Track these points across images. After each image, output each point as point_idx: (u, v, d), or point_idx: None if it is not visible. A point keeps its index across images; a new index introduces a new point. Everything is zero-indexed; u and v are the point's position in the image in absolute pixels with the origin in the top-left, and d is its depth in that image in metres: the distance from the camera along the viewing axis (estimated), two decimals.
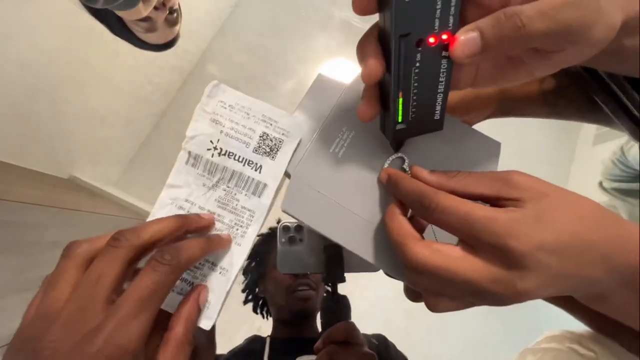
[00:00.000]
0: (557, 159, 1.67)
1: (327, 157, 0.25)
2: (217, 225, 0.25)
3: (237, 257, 0.24)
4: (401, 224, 0.21)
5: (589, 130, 1.59)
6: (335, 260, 0.38)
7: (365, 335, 0.42)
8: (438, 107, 0.22)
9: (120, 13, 0.63)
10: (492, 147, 0.26)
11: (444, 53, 0.19)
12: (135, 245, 0.18)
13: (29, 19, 0.80)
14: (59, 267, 0.18)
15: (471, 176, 0.21)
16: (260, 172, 0.25)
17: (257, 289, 0.83)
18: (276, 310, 0.74)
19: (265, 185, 0.25)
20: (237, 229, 0.25)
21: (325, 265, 0.39)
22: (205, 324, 0.22)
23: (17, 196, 0.87)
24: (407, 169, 0.25)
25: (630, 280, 0.18)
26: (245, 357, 0.64)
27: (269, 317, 0.81)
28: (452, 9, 0.18)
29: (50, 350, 0.16)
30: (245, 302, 0.84)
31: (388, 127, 0.23)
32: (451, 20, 0.18)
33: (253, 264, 0.84)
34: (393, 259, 0.23)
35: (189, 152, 0.25)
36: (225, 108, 0.25)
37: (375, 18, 0.20)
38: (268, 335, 0.71)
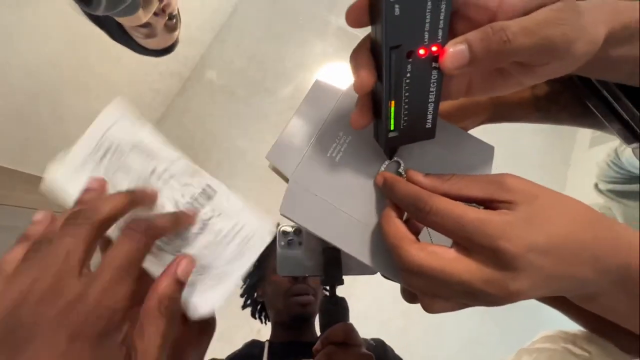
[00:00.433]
0: (554, 161, 1.68)
1: (325, 161, 0.26)
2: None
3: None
4: (397, 227, 0.22)
5: (585, 132, 1.60)
6: (333, 263, 0.39)
7: (363, 339, 0.43)
8: (429, 116, 0.23)
9: (120, 19, 0.64)
10: (486, 151, 0.26)
11: (434, 64, 0.20)
12: (98, 220, 0.19)
13: (32, 25, 0.80)
14: (26, 258, 0.18)
15: (465, 179, 0.21)
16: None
17: (255, 294, 0.83)
18: (275, 314, 0.74)
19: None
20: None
21: (324, 268, 0.39)
22: (195, 310, 0.22)
23: (18, 201, 0.87)
24: (403, 173, 0.25)
25: (620, 280, 0.19)
26: None
27: (267, 321, 0.81)
28: (441, 22, 0.19)
29: (30, 325, 0.16)
30: (244, 306, 0.85)
31: (381, 135, 0.24)
32: (440, 33, 0.19)
33: (252, 268, 0.84)
34: (389, 260, 0.23)
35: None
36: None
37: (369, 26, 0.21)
38: (267, 340, 0.71)
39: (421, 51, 0.19)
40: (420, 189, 0.21)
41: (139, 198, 0.22)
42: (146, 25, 0.71)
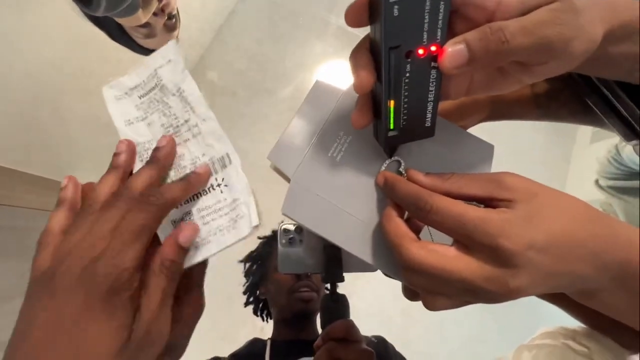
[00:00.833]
0: (554, 158, 1.68)
1: (326, 161, 0.26)
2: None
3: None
4: (398, 226, 0.22)
5: (586, 128, 1.60)
6: (334, 261, 0.39)
7: (364, 336, 0.43)
8: (429, 115, 0.23)
9: (120, 20, 0.64)
10: (486, 150, 0.27)
11: (433, 64, 0.20)
12: (132, 197, 0.22)
13: (33, 27, 0.80)
14: (77, 222, 0.22)
15: (465, 178, 0.21)
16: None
17: (258, 291, 0.83)
18: (277, 311, 0.74)
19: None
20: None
21: (325, 266, 0.39)
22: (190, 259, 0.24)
23: (20, 201, 0.87)
24: (404, 172, 0.25)
25: (619, 277, 0.19)
26: None
27: (269, 319, 0.82)
28: (440, 22, 0.19)
29: (63, 276, 0.20)
30: (247, 304, 0.85)
31: (380, 134, 0.24)
32: (439, 32, 0.19)
33: (254, 266, 0.84)
34: (390, 259, 0.24)
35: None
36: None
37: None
38: (269, 338, 0.72)
39: (420, 51, 0.19)
40: (420, 188, 0.22)
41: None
42: (146, 25, 0.71)
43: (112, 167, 0.25)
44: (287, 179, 0.26)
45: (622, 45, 0.21)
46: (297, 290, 0.68)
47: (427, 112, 0.23)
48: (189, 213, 0.25)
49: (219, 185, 0.25)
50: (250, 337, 0.73)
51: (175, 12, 0.78)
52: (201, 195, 0.25)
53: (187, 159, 0.25)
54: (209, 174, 0.25)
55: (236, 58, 1.67)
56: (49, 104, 0.93)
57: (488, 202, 0.20)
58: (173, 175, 0.26)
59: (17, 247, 0.82)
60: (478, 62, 0.19)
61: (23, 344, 0.19)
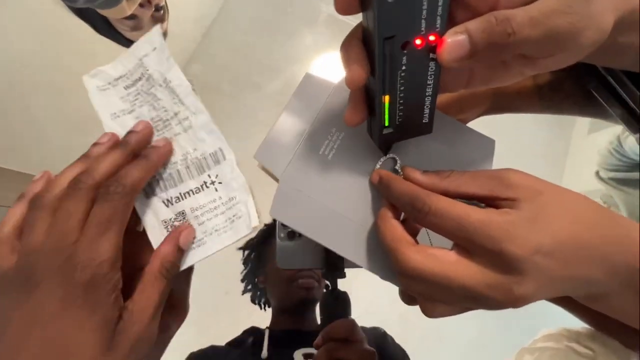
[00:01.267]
0: (552, 148, 1.67)
1: (317, 159, 0.24)
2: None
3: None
4: (394, 228, 0.21)
5: (584, 118, 1.59)
6: (334, 255, 0.38)
7: (363, 328, 0.42)
8: (426, 111, 0.21)
9: (103, 12, 0.61)
10: (487, 145, 0.25)
11: (431, 55, 0.18)
12: (92, 185, 0.21)
13: (2, 24, 0.75)
14: (32, 217, 0.20)
15: (465, 176, 0.20)
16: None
17: (256, 279, 0.82)
18: (277, 299, 0.73)
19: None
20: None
21: (325, 261, 0.38)
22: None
23: None
24: (400, 170, 0.24)
25: (629, 280, 0.18)
26: (244, 349, 0.64)
27: (267, 307, 0.81)
28: (440, 8, 0.17)
29: (41, 272, 0.19)
30: (244, 292, 0.84)
31: (374, 131, 0.22)
32: (438, 20, 0.17)
33: (253, 254, 0.84)
34: (387, 263, 0.22)
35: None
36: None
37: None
38: (267, 327, 0.71)
39: (417, 41, 0.18)
40: (417, 188, 0.20)
41: (133, 147, 0.23)
42: (132, 17, 0.68)
43: (84, 156, 0.23)
44: (277, 179, 0.25)
45: (631, 34, 0.20)
46: (297, 279, 0.67)
47: (425, 107, 0.21)
48: (182, 213, 0.24)
49: (212, 182, 0.24)
50: (247, 327, 0.72)
51: (163, 3, 0.76)
52: (194, 194, 0.24)
53: (178, 154, 0.24)
54: (169, 147, 0.24)
55: (220, 50, 1.59)
56: (19, 102, 0.87)
57: (490, 201, 0.19)
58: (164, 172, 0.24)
59: None
60: (480, 54, 0.17)
61: None
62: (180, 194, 0.24)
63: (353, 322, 0.38)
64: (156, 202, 0.24)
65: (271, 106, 1.50)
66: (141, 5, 0.67)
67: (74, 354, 0.18)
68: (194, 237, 0.24)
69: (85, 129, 0.25)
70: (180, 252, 0.23)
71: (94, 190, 0.20)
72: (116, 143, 0.23)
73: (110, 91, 0.25)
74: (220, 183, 0.24)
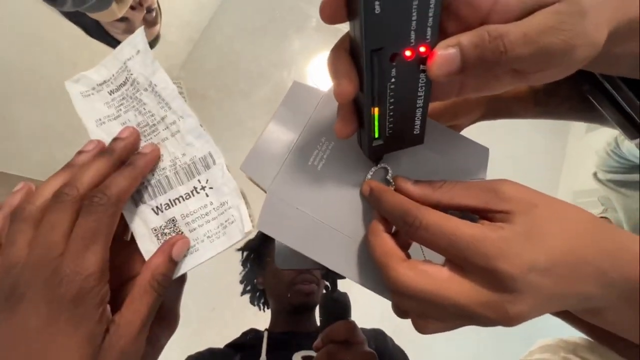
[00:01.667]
0: (550, 148, 1.66)
1: (306, 170, 0.24)
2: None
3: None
4: (384, 243, 0.20)
5: None
6: None
7: (363, 330, 0.42)
8: (417, 122, 0.21)
9: (93, 15, 0.60)
10: (480, 153, 0.25)
11: (422, 67, 0.18)
12: (77, 197, 0.20)
13: None
14: (13, 229, 0.20)
15: (458, 187, 0.20)
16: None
17: (255, 280, 0.82)
18: (276, 302, 0.73)
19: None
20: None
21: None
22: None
23: None
24: (391, 180, 0.23)
25: (627, 294, 0.17)
26: (243, 351, 0.64)
27: (266, 309, 0.81)
28: (430, 19, 0.16)
29: (24, 288, 0.18)
30: (243, 293, 0.84)
31: (364, 143, 0.22)
32: (429, 31, 0.17)
33: (252, 255, 0.83)
34: (379, 277, 0.22)
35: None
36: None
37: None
38: (265, 329, 0.71)
39: (407, 52, 0.17)
40: (408, 201, 0.20)
41: (120, 156, 0.22)
42: (123, 19, 0.67)
43: (68, 165, 0.22)
44: (265, 191, 0.24)
45: (627, 43, 0.20)
46: (297, 283, 0.67)
47: (416, 119, 0.20)
48: (173, 220, 0.23)
49: (203, 188, 0.23)
50: (246, 329, 0.72)
51: (155, 5, 0.75)
52: (184, 200, 0.23)
53: (167, 160, 0.24)
54: (156, 153, 0.23)
55: (205, 56, 1.55)
56: None
57: (483, 214, 0.19)
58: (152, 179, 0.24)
59: None
60: (471, 70, 0.17)
61: None
62: (169, 200, 0.23)
63: (353, 324, 0.38)
64: (145, 210, 0.23)
65: (259, 115, 1.48)
66: (132, 7, 0.66)
67: None
68: (188, 248, 0.23)
69: (66, 141, 0.24)
70: (173, 264, 0.22)
71: (78, 201, 0.20)
72: (102, 150, 0.23)
73: (94, 97, 0.25)
74: (211, 188, 0.23)
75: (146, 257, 0.23)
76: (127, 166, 0.22)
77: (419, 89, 0.19)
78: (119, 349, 0.19)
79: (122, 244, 0.24)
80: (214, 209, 0.23)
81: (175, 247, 0.22)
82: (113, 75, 0.25)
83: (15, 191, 0.22)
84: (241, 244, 0.84)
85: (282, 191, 0.23)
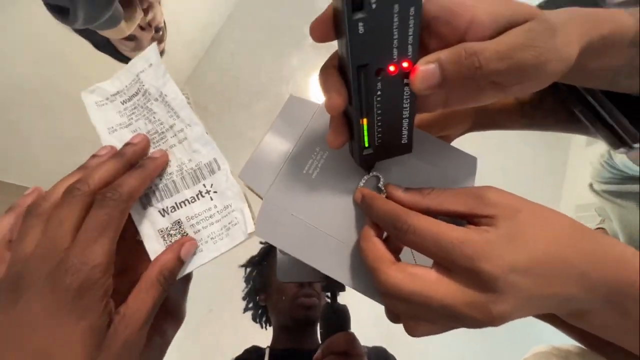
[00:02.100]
0: (551, 161, 1.66)
1: (301, 178, 0.25)
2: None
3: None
4: (375, 247, 0.21)
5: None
6: None
7: (364, 346, 0.42)
8: (405, 132, 0.22)
9: (103, 33, 0.63)
10: (469, 162, 0.26)
11: (405, 80, 0.19)
12: (87, 192, 0.21)
13: None
14: (26, 225, 0.20)
15: (446, 193, 0.20)
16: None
17: (257, 297, 0.82)
18: (278, 318, 0.73)
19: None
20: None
21: (325, 274, 0.39)
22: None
23: None
24: (383, 188, 0.24)
25: (608, 297, 0.18)
26: None
27: (267, 326, 0.80)
28: (411, 38, 0.18)
29: (29, 279, 0.19)
30: (245, 310, 0.83)
31: (355, 152, 0.23)
32: (410, 49, 0.18)
33: (255, 272, 0.83)
34: (371, 281, 0.22)
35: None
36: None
37: None
38: (267, 346, 0.70)
39: (391, 68, 0.19)
40: (398, 207, 0.21)
41: (130, 158, 0.23)
42: (132, 38, 0.70)
43: (81, 167, 0.23)
44: (262, 198, 0.25)
45: (601, 59, 0.21)
46: (299, 297, 0.67)
47: (403, 129, 0.22)
48: (178, 222, 0.24)
49: (207, 192, 0.25)
50: (248, 346, 0.71)
51: (162, 24, 0.78)
52: (190, 203, 0.24)
53: (174, 165, 0.25)
54: (165, 157, 0.25)
55: (207, 71, 1.61)
56: (10, 125, 0.86)
57: (470, 219, 0.19)
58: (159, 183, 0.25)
59: None
60: (450, 83, 0.18)
61: None
62: (176, 203, 0.24)
63: (353, 336, 0.38)
64: (152, 212, 0.24)
65: (258, 126, 1.51)
66: (142, 28, 0.69)
67: None
68: (195, 250, 0.24)
69: (75, 150, 0.25)
70: (180, 262, 0.23)
71: (89, 197, 0.20)
72: (114, 155, 0.24)
73: (107, 106, 0.26)
74: (215, 192, 0.25)
75: (152, 256, 0.24)
76: (137, 168, 0.23)
77: (404, 101, 0.20)
78: (123, 339, 0.20)
79: (134, 245, 0.24)
80: (218, 211, 0.24)
81: (184, 247, 0.23)
82: (126, 86, 0.26)
83: (26, 194, 0.23)
84: (244, 260, 0.85)
85: (278, 198, 0.24)
